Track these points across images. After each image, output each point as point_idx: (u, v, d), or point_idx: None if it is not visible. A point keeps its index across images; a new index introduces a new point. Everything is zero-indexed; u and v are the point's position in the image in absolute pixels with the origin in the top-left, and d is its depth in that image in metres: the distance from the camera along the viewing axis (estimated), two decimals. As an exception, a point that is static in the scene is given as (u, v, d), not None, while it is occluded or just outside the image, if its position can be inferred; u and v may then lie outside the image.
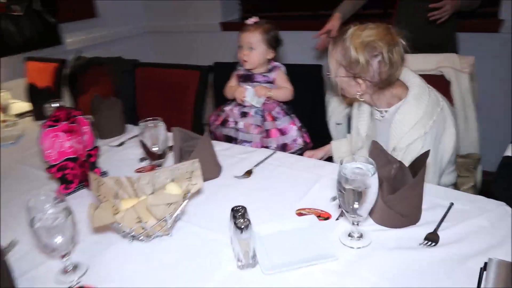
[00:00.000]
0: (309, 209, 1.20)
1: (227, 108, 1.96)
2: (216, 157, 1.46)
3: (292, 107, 1.90)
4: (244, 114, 1.89)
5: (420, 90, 1.36)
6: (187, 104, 2.16)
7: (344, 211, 1.04)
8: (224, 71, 2.10)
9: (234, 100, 1.96)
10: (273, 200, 1.27)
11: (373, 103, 1.47)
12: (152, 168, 1.58)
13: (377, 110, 1.49)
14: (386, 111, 1.46)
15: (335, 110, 1.89)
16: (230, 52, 3.47)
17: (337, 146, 1.75)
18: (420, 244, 1.02)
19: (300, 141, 1.85)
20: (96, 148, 1.51)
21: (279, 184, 1.35)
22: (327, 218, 1.16)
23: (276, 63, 1.91)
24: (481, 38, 2.38)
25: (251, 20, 1.87)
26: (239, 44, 1.87)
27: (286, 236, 1.07)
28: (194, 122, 2.15)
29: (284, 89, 1.87)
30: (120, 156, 1.71)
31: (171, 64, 2.27)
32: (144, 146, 1.43)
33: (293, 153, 1.79)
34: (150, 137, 1.42)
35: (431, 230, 1.07)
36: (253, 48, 1.83)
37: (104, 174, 1.53)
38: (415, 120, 1.34)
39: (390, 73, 1.34)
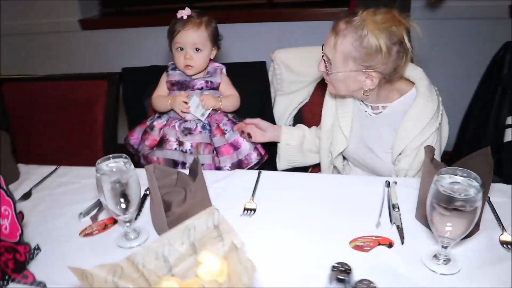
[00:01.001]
0: (362, 238, 0.98)
1: (158, 124, 1.53)
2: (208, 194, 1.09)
3: (238, 114, 1.59)
4: (188, 131, 1.49)
5: (429, 81, 1.24)
6: (94, 124, 1.65)
7: (434, 233, 0.86)
8: (136, 77, 1.67)
9: (164, 113, 1.55)
10: (310, 236, 1.00)
11: (370, 98, 1.30)
12: (106, 224, 1.11)
13: (371, 105, 1.32)
14: (383, 107, 1.30)
15: (284, 111, 1.67)
16: (93, 54, 2.90)
17: (287, 132, 1.54)
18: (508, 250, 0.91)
19: (254, 155, 1.52)
20: (20, 214, 0.97)
21: (299, 213, 1.08)
22: (390, 245, 0.95)
23: (216, 64, 1.55)
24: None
25: (185, 13, 1.46)
26: (178, 46, 1.45)
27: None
28: (106, 146, 1.66)
29: (232, 98, 1.53)
30: (37, 215, 1.17)
31: (61, 75, 1.70)
32: (105, 204, 0.97)
33: (250, 169, 1.50)
34: (115, 187, 0.96)
35: (496, 232, 0.97)
36: (200, 49, 1.45)
37: (36, 250, 1.01)
38: (432, 113, 1.21)
39: (405, 63, 1.18)
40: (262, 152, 1.54)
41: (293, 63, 1.64)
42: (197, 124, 1.49)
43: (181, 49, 1.45)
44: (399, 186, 1.15)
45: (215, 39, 1.49)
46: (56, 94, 1.65)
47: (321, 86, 1.67)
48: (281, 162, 1.58)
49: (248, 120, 1.52)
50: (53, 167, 1.41)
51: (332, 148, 1.45)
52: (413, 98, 1.25)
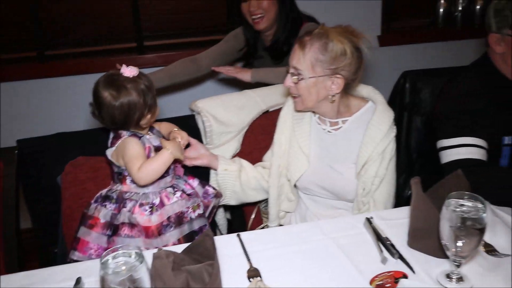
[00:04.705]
0: (378, 276, 1.16)
1: (136, 208, 1.49)
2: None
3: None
4: (182, 191, 1.57)
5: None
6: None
7: (447, 253, 1.10)
8: (37, 151, 1.57)
9: (113, 197, 1.52)
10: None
11: (332, 111, 1.58)
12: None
13: (329, 121, 1.61)
14: (343, 121, 1.60)
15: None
16: None
17: (224, 159, 1.72)
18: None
19: (210, 189, 1.67)
20: None
21: (304, 268, 1.22)
22: (405, 276, 1.16)
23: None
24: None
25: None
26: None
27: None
28: (9, 258, 1.48)
29: None
30: None
31: None
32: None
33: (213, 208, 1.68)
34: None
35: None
36: None
37: None
38: (391, 120, 1.56)
39: (361, 70, 1.52)
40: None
41: (219, 113, 1.79)
42: (181, 177, 1.61)
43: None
44: (375, 220, 1.38)
45: None
46: None
47: (250, 135, 1.85)
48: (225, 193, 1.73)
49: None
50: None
51: (289, 174, 1.65)
52: (372, 110, 1.58)
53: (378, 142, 1.53)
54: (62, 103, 2.65)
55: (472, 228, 1.05)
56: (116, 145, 1.49)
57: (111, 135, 1.52)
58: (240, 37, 2.32)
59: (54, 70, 2.64)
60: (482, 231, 1.06)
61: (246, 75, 2.09)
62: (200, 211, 1.58)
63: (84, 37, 2.80)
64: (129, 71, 1.44)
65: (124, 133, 1.48)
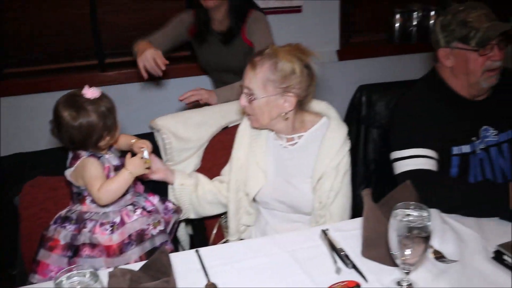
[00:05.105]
0: (334, 286, 1.20)
1: (100, 228, 1.49)
2: None
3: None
4: (143, 208, 1.59)
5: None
6: None
7: (397, 261, 1.14)
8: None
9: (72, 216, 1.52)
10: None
11: (287, 128, 1.62)
12: None
13: (286, 137, 1.65)
14: (299, 137, 1.64)
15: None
16: None
17: (181, 173, 1.75)
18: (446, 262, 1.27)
19: (170, 205, 1.69)
20: None
21: (261, 282, 1.24)
22: (358, 286, 1.20)
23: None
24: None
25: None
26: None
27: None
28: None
29: None
30: None
31: None
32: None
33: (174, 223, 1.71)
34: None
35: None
36: None
37: None
38: (344, 135, 1.61)
39: (313, 86, 1.57)
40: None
41: (179, 130, 1.81)
42: (141, 194, 1.62)
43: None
44: (331, 231, 1.43)
45: None
46: None
47: (210, 150, 1.88)
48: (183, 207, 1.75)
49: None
50: None
51: (247, 188, 1.68)
52: (326, 125, 1.62)
53: (332, 157, 1.58)
54: (21, 122, 2.62)
55: (418, 237, 1.11)
56: (75, 165, 1.49)
57: (70, 155, 1.52)
58: (185, 21, 2.35)
59: (13, 89, 2.60)
60: (427, 238, 1.12)
61: (212, 99, 2.08)
62: (161, 227, 1.60)
63: (44, 55, 2.77)
64: (91, 93, 1.44)
65: (83, 154, 1.49)
